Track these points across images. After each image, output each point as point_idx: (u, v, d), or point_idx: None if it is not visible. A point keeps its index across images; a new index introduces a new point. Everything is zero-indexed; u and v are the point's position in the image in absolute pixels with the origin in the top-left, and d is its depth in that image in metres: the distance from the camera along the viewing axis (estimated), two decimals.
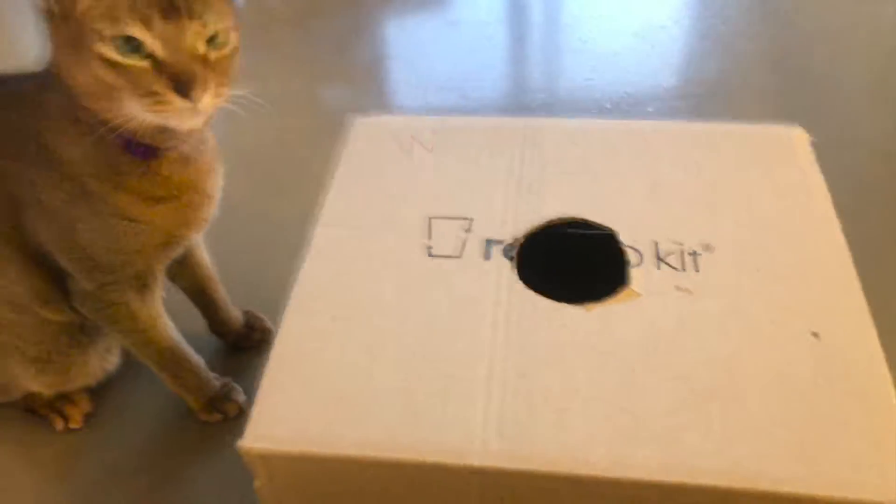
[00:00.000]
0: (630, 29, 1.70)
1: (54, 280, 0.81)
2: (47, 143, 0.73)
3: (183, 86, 0.63)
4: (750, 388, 0.61)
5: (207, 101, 0.65)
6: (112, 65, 0.63)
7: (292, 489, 0.65)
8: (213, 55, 0.66)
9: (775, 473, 0.56)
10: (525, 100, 1.58)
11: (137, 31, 0.62)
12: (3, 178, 0.76)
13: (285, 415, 0.63)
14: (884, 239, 1.13)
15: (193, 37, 0.64)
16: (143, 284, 0.82)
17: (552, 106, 1.52)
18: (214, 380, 0.96)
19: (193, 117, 0.66)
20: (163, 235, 0.79)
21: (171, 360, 0.90)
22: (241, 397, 0.96)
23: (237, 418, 0.95)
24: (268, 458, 0.62)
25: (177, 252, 0.84)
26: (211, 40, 0.66)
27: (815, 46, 1.61)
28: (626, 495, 0.58)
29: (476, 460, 0.58)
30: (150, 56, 0.63)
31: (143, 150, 0.72)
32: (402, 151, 0.86)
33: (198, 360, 0.93)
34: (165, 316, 0.88)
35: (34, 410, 0.97)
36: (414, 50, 1.75)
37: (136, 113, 0.65)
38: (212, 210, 0.82)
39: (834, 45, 1.61)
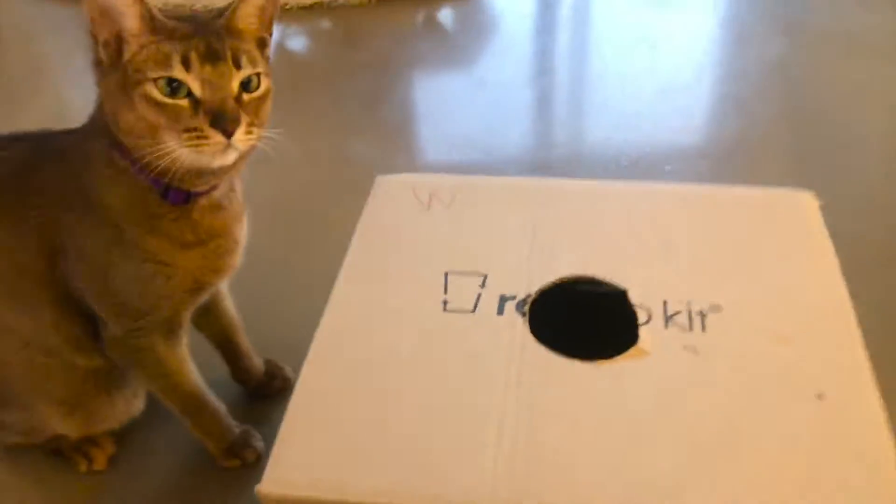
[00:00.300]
0: (652, 88, 1.73)
1: (86, 325, 0.85)
2: (88, 191, 0.77)
3: (219, 121, 0.69)
4: (754, 446, 0.63)
5: (240, 136, 0.70)
6: (155, 104, 0.69)
7: None
8: (246, 97, 0.72)
9: None
10: (546, 156, 1.60)
11: (179, 73, 0.68)
12: (45, 225, 0.80)
13: (303, 461, 0.65)
14: (891, 303, 1.13)
15: (229, 79, 0.70)
16: (170, 330, 0.85)
17: (572, 163, 1.55)
18: (234, 426, 0.98)
19: (226, 153, 0.71)
20: (191, 280, 0.82)
21: (193, 405, 0.93)
22: (260, 444, 0.98)
23: (255, 465, 0.96)
24: (285, 503, 0.63)
25: (203, 298, 0.87)
26: (245, 83, 0.72)
27: (832, 109, 1.63)
28: None
29: None
30: (189, 96, 0.69)
31: (177, 195, 0.77)
32: (422, 208, 0.89)
33: (219, 406, 0.95)
34: (191, 362, 0.91)
35: (59, 452, 0.99)
36: (439, 108, 1.78)
37: (174, 148, 0.70)
38: (238, 257, 0.86)
39: (851, 109, 1.62)
